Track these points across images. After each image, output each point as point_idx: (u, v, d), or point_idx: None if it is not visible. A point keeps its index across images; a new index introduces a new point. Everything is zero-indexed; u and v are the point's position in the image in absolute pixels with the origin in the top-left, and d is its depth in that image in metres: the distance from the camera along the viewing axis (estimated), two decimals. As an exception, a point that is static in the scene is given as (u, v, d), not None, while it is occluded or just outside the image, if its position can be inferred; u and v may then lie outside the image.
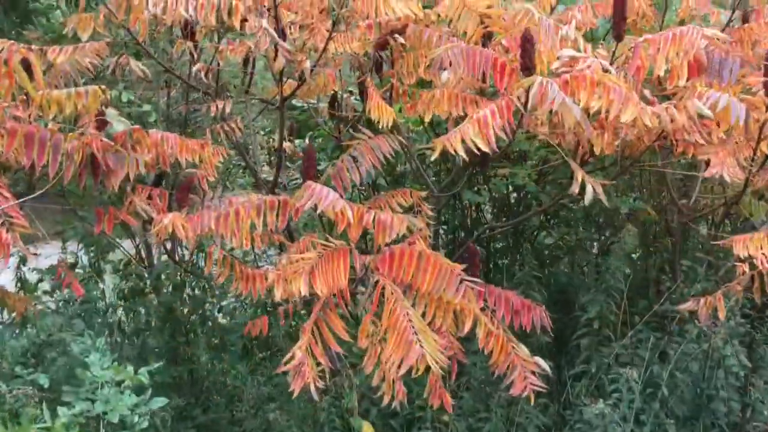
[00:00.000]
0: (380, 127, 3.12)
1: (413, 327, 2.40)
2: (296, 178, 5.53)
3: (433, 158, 2.79)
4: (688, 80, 3.04)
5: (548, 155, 4.97)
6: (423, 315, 2.70)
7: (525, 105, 2.98)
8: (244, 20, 3.83)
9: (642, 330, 3.88)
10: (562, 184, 5.02)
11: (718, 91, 2.92)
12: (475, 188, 4.71)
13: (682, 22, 4.48)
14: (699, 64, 3.04)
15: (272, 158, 5.86)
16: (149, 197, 3.34)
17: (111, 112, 2.92)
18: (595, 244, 5.66)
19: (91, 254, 4.47)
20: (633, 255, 5.28)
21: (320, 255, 2.63)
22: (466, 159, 2.81)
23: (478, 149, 2.74)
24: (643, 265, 5.07)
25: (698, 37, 2.75)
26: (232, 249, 2.93)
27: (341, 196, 3.17)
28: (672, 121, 2.88)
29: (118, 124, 2.85)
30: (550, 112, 3.67)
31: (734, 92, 3.01)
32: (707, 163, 3.18)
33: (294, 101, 4.49)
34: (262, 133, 6.07)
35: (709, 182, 4.76)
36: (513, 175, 4.77)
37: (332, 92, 4.36)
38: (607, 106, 2.76)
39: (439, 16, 3.39)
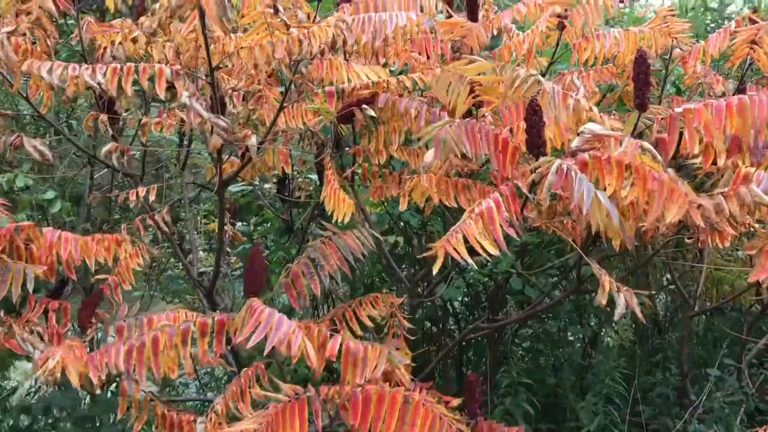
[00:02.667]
0: (337, 221, 2.43)
1: None
2: (239, 267, 4.82)
3: (435, 270, 2.07)
4: (727, 159, 2.46)
5: (529, 239, 4.40)
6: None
7: (531, 190, 2.35)
8: (169, 87, 3.17)
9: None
10: (550, 274, 4.43)
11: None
12: (449, 280, 4.04)
13: (678, 91, 4.03)
14: (738, 140, 2.47)
15: (212, 243, 5.13)
16: (45, 312, 2.57)
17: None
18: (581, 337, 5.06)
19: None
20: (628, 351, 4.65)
21: (268, 416, 1.85)
22: (474, 265, 2.14)
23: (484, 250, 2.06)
24: (643, 362, 4.43)
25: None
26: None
27: (298, 309, 2.47)
28: (719, 212, 2.27)
29: (-1, 219, 2.08)
30: (553, 197, 3.08)
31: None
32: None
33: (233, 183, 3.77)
34: (198, 215, 5.31)
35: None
36: (495, 264, 4.14)
37: (281, 172, 3.71)
38: (644, 199, 2.14)
39: (415, 83, 2.76)
